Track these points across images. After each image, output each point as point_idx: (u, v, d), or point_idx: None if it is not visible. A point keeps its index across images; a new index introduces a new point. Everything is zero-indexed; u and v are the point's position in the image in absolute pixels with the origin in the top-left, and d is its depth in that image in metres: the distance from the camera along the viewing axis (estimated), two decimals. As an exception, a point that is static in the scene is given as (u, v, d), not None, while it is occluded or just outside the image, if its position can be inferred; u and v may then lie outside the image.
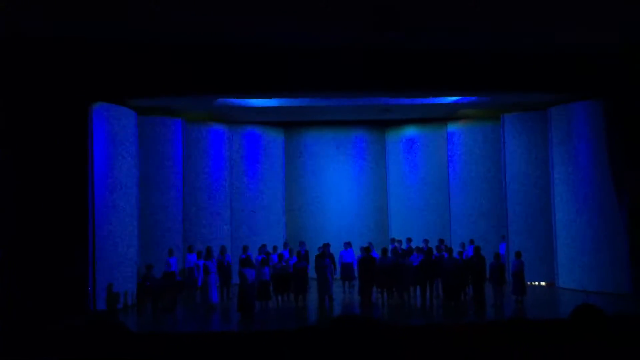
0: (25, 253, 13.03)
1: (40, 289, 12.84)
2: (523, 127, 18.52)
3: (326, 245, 16.07)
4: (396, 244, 17.35)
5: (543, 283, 17.74)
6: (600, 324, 2.94)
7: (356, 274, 16.60)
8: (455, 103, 17.73)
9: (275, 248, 17.31)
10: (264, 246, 16.50)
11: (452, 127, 20.51)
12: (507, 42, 13.75)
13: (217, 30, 12.76)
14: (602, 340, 2.82)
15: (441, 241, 17.27)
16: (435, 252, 15.74)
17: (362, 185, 21.43)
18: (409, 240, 17.79)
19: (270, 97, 16.57)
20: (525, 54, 14.35)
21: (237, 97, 16.53)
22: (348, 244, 17.76)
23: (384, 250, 15.78)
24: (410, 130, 21.30)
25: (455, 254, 16.06)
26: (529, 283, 16.17)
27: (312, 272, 16.13)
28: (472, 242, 17.59)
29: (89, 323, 2.06)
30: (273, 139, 21.07)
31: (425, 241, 17.21)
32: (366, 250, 15.82)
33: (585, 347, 2.74)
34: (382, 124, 21.31)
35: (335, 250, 17.45)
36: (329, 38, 13.14)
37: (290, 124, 20.80)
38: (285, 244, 18.16)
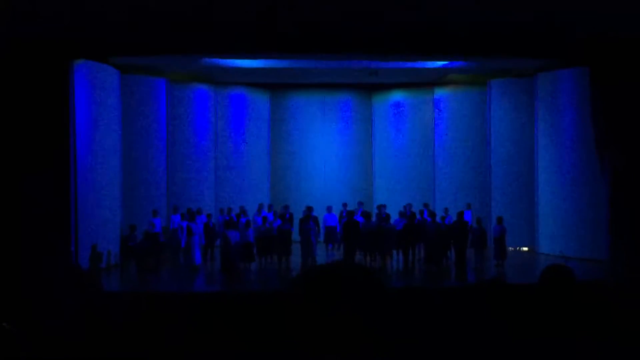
0: (5, 212, 12.91)
1: (22, 250, 12.78)
2: (509, 93, 18.51)
3: (310, 209, 16.14)
4: (382, 209, 17.45)
5: (524, 248, 18.00)
6: (568, 282, 2.98)
7: (339, 238, 16.72)
8: (442, 67, 17.63)
9: (260, 207, 17.34)
10: (242, 208, 16.64)
11: (439, 92, 20.44)
12: (494, 7, 13.61)
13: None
14: (569, 300, 2.86)
15: (425, 205, 17.39)
16: (418, 216, 15.86)
17: (348, 149, 21.41)
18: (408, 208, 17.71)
19: (255, 58, 16.33)
20: (512, 18, 14.21)
21: (222, 57, 16.27)
22: (331, 207, 17.84)
23: (368, 214, 15.87)
24: (396, 95, 21.20)
25: (438, 219, 16.19)
26: (510, 248, 16.41)
27: (295, 235, 16.21)
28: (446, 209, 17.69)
29: (67, 276, 2.03)
30: (259, 100, 20.89)
31: (409, 205, 17.31)
32: (350, 214, 15.90)
33: (554, 310, 2.78)
34: (369, 88, 21.19)
35: (319, 213, 17.52)
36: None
37: (276, 86, 20.61)
38: (270, 207, 18.20)
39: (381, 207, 17.61)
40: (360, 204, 18.45)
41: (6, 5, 12.46)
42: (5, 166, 13.00)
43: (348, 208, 17.75)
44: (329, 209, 17.80)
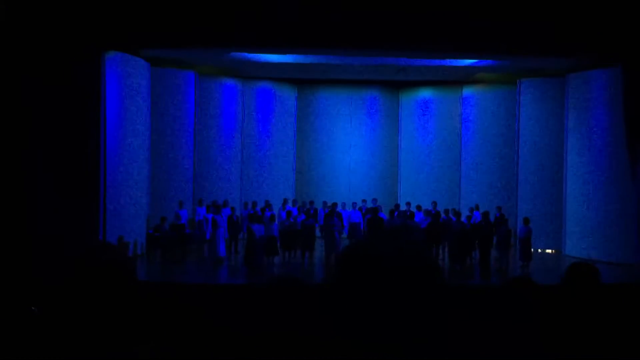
0: (37, 203, 13.17)
1: (51, 239, 13.02)
2: (539, 93, 18.26)
3: (334, 205, 16.16)
4: (406, 206, 17.39)
5: (550, 250, 17.76)
6: (593, 281, 2.95)
7: (363, 234, 16.71)
8: (471, 66, 17.46)
9: (285, 202, 17.41)
10: (267, 202, 16.77)
11: (468, 90, 20.25)
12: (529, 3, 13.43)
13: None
14: (594, 299, 2.83)
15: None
16: (442, 215, 15.77)
17: (374, 146, 21.35)
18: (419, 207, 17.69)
19: (284, 53, 16.39)
20: (545, 16, 14.01)
21: (250, 51, 16.36)
22: (356, 203, 17.82)
23: (392, 212, 15.82)
24: (424, 92, 21.07)
25: (463, 218, 16.08)
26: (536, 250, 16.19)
27: (319, 231, 16.26)
28: (477, 207, 17.50)
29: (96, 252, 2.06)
30: (286, 95, 20.95)
31: (434, 204, 17.22)
32: (374, 211, 15.87)
33: (579, 309, 2.75)
34: (397, 85, 21.08)
35: (345, 208, 17.53)
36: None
37: (303, 81, 20.64)
38: (294, 201, 18.25)
39: (407, 205, 17.55)
40: (374, 201, 18.38)
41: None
42: (36, 156, 13.27)
43: (368, 205, 17.73)
44: (354, 205, 17.78)
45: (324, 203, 17.67)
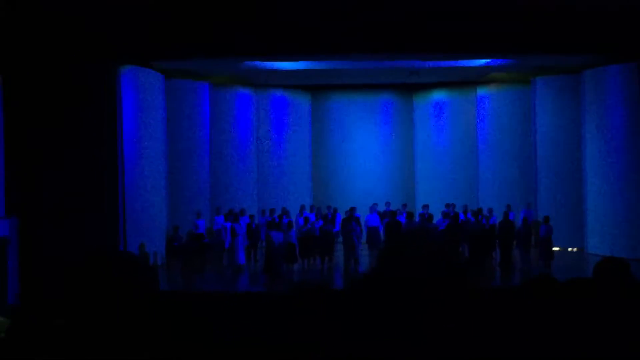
0: (57, 216, 13.32)
1: (72, 251, 13.14)
2: (555, 91, 18.09)
3: (352, 209, 16.12)
4: (424, 210, 17.28)
5: (571, 249, 17.55)
6: (625, 275, 2.90)
7: (382, 238, 16.63)
8: (485, 66, 17.35)
9: (302, 208, 17.39)
10: (284, 209, 16.79)
11: (482, 91, 20.13)
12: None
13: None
14: (626, 293, 2.78)
15: (476, 209, 17.05)
16: (461, 216, 15.67)
17: (389, 150, 21.29)
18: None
19: (296, 60, 16.42)
20: (560, 13, 13.90)
21: (263, 60, 16.42)
22: (374, 207, 17.72)
23: (410, 215, 15.76)
24: (438, 95, 20.98)
25: (482, 220, 15.93)
26: (556, 249, 16.00)
27: (338, 236, 16.21)
28: (508, 207, 17.11)
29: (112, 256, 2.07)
30: (300, 102, 20.99)
31: (452, 205, 17.10)
32: (392, 214, 15.81)
33: (610, 303, 2.70)
34: (410, 88, 21.02)
35: (362, 214, 17.46)
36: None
37: (317, 87, 20.67)
38: (312, 207, 18.25)
39: (425, 207, 17.44)
40: (404, 205, 18.35)
41: (56, 16, 12.89)
42: (55, 170, 13.43)
43: (390, 208, 17.66)
44: (372, 209, 17.71)
45: (329, 207, 17.56)
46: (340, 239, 15.94)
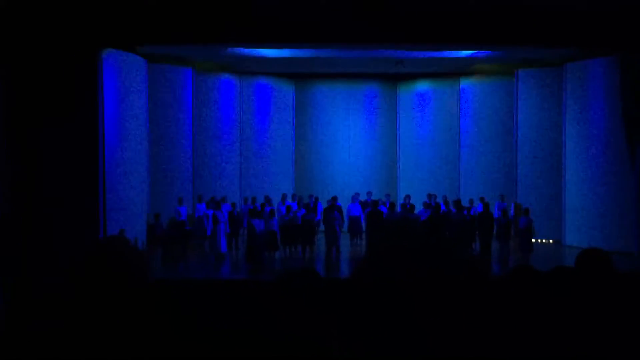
0: (35, 202, 13.16)
1: (51, 238, 13.01)
2: (537, 83, 18.25)
3: (335, 199, 16.17)
4: (406, 200, 17.40)
5: (549, 241, 17.79)
6: (606, 266, 2.95)
7: (364, 228, 16.72)
8: (468, 57, 17.43)
9: (284, 197, 17.41)
10: (267, 197, 16.78)
11: (465, 82, 20.24)
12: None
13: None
14: (607, 284, 2.83)
15: (445, 198, 17.27)
16: (442, 207, 15.79)
17: (372, 139, 21.35)
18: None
19: (281, 48, 16.34)
20: (543, 6, 13.99)
21: (247, 47, 16.31)
22: (356, 197, 17.79)
23: (392, 205, 15.84)
24: (422, 85, 21.05)
25: (463, 211, 16.08)
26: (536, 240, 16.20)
27: (320, 225, 16.26)
28: (482, 199, 17.43)
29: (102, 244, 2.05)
30: (283, 90, 20.91)
31: (433, 196, 17.22)
32: (374, 204, 15.87)
33: (594, 293, 2.75)
34: (394, 78, 21.05)
35: (344, 203, 17.53)
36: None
37: (301, 75, 20.60)
38: (294, 196, 18.26)
39: (406, 198, 17.56)
40: (387, 195, 18.46)
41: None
42: (34, 155, 13.25)
43: (371, 197, 17.75)
44: (354, 199, 17.78)
45: (310, 196, 17.62)
46: (322, 227, 16.00)
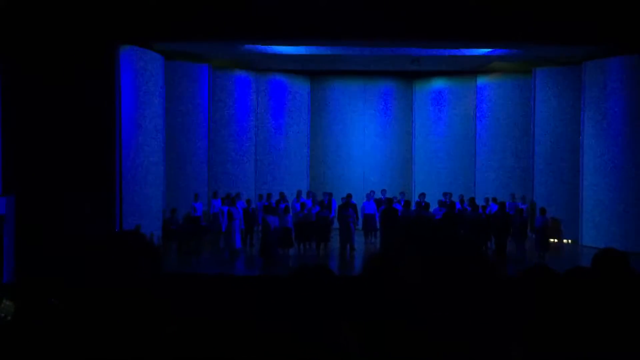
0: (54, 195, 13.30)
1: (68, 231, 13.14)
2: (555, 82, 18.06)
3: (349, 196, 16.14)
4: (420, 198, 17.32)
5: (566, 240, 17.63)
6: (624, 267, 2.91)
7: (378, 226, 16.68)
8: (485, 55, 17.30)
9: (299, 193, 17.43)
10: (282, 194, 16.82)
11: (482, 80, 20.09)
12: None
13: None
14: (624, 284, 2.79)
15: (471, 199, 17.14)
16: (458, 205, 15.70)
17: (388, 137, 21.27)
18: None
19: (296, 45, 16.34)
20: (561, 3, 13.84)
21: (264, 44, 16.33)
22: (371, 194, 17.75)
23: (407, 203, 15.78)
24: (438, 83, 20.93)
25: (478, 209, 15.98)
26: (552, 240, 16.08)
27: (335, 222, 16.25)
28: (495, 200, 17.29)
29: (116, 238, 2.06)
30: (299, 87, 20.91)
31: (449, 194, 17.13)
32: (388, 201, 15.83)
33: (612, 294, 2.71)
34: (410, 76, 20.95)
35: (358, 201, 17.50)
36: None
37: (316, 72, 20.58)
38: (309, 193, 18.27)
39: (421, 196, 17.48)
40: (402, 193, 18.40)
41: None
42: (53, 149, 13.39)
43: (386, 195, 17.71)
44: (368, 196, 17.74)
45: (324, 193, 17.55)
46: (337, 225, 15.99)
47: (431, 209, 15.85)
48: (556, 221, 16.35)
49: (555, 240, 17.24)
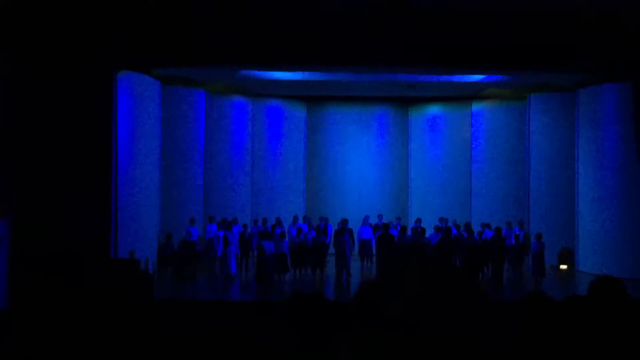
0: (49, 220, 13.24)
1: (62, 256, 13.06)
2: (550, 108, 18.21)
3: (345, 221, 16.12)
4: (417, 223, 17.30)
5: (563, 266, 17.58)
6: (620, 294, 2.91)
7: (374, 251, 16.64)
8: (481, 82, 17.47)
9: (295, 219, 17.41)
10: (278, 219, 16.79)
11: (477, 106, 20.25)
12: (536, 18, 13.45)
13: None
14: (622, 312, 2.79)
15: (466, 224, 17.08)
16: (454, 231, 15.69)
17: (383, 163, 21.35)
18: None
19: (293, 71, 16.49)
20: (555, 31, 14.03)
21: (260, 69, 16.47)
22: (366, 219, 17.73)
23: (403, 228, 15.77)
24: (433, 109, 21.08)
25: (474, 235, 15.97)
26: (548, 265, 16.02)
27: (330, 247, 16.21)
28: (489, 226, 17.08)
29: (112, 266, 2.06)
30: (295, 113, 21.03)
31: (445, 220, 17.12)
32: (385, 227, 15.81)
33: (607, 322, 2.71)
34: (406, 102, 21.12)
35: (354, 226, 17.48)
36: (352, 8, 12.97)
37: (312, 98, 20.73)
38: (305, 218, 18.24)
39: (417, 221, 17.47)
40: (398, 219, 18.39)
41: (54, 20, 12.88)
42: (48, 172, 13.37)
43: (382, 220, 17.70)
44: (364, 221, 17.73)
45: (320, 218, 17.57)
46: (332, 250, 15.94)
47: (427, 234, 15.83)
48: (568, 251, 16.43)
49: (566, 267, 17.11)
